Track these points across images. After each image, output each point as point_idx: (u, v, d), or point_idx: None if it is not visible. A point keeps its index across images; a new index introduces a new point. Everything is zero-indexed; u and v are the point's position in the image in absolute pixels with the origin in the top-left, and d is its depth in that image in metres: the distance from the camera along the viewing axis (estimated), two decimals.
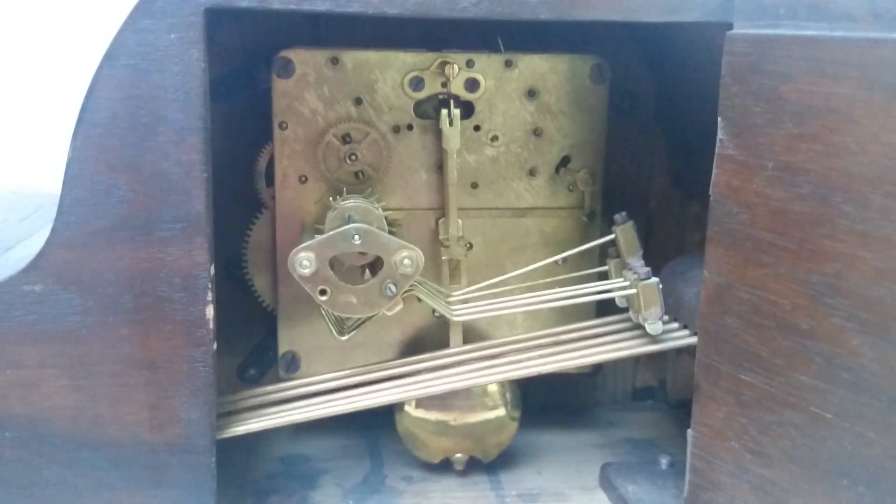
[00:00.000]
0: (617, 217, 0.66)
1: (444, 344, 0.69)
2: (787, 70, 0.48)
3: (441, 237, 0.69)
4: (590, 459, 0.73)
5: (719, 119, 0.51)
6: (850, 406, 0.46)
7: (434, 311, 0.69)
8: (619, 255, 0.67)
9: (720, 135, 0.51)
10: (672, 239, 0.80)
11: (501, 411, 0.68)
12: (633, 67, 0.77)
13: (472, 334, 0.71)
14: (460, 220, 0.69)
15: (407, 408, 0.68)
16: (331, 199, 0.65)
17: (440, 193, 0.69)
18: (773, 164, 0.49)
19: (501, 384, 0.68)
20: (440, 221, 0.70)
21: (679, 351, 0.81)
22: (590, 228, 0.72)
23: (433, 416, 0.67)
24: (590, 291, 0.65)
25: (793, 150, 0.48)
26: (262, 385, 0.68)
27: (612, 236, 0.67)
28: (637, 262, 0.65)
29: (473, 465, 0.70)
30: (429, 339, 0.71)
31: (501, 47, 0.69)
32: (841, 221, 0.46)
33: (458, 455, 0.69)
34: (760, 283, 0.50)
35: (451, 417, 0.67)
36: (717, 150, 0.52)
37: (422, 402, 0.67)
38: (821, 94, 0.46)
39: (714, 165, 0.52)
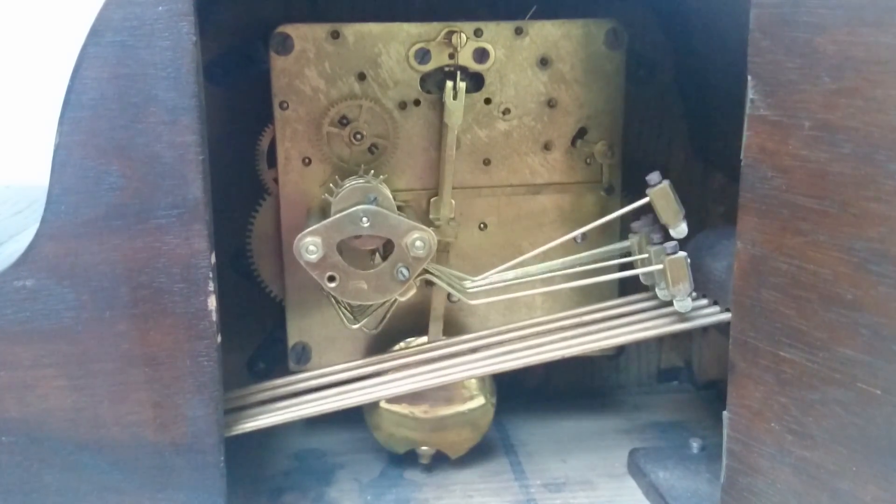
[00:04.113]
0: (650, 177, 0.59)
1: (461, 330, 0.66)
2: (822, 20, 0.44)
3: (431, 216, 0.66)
4: (616, 445, 0.70)
5: (749, 78, 0.48)
6: None
7: (449, 295, 0.66)
8: (656, 222, 0.61)
9: (750, 94, 0.48)
10: (695, 213, 0.76)
11: (480, 400, 0.65)
12: (649, 34, 0.73)
13: (454, 325, 0.68)
14: (453, 201, 0.66)
15: (381, 404, 0.65)
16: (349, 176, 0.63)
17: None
18: (810, 123, 0.45)
19: None
20: (432, 200, 0.66)
21: (705, 329, 0.78)
22: (609, 203, 0.69)
23: (406, 410, 0.65)
24: (613, 268, 0.61)
25: (831, 107, 0.44)
26: (273, 378, 0.65)
27: (644, 200, 0.59)
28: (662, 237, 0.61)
29: (496, 454, 0.67)
30: (445, 325, 0.68)
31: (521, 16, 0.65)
32: (886, 181, 0.42)
33: (424, 448, 0.66)
34: (799, 252, 0.47)
35: (422, 410, 0.65)
36: (747, 111, 0.48)
37: (395, 398, 0.64)
38: (861, 45, 0.43)
39: (745, 128, 0.49)
